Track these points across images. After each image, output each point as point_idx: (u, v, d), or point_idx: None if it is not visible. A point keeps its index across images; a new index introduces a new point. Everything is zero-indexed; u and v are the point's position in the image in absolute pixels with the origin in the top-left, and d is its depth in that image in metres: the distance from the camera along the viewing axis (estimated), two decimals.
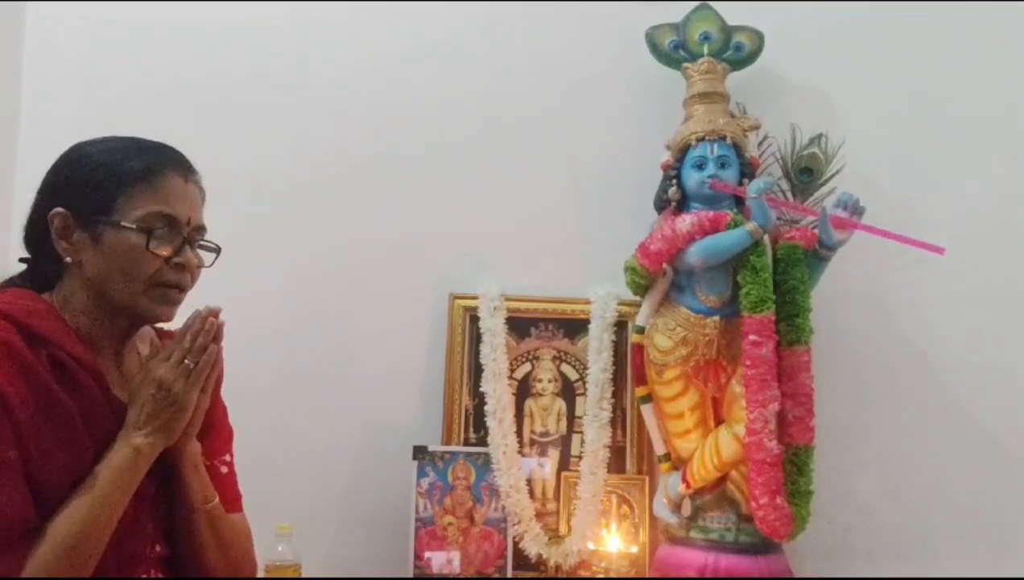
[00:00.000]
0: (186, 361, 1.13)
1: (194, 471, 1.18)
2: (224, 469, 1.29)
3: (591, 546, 1.66)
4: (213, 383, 1.19)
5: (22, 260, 1.19)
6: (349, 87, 1.91)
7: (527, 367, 1.82)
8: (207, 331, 1.15)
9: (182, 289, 1.16)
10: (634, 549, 1.66)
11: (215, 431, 1.28)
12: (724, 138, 1.64)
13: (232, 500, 1.28)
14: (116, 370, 1.17)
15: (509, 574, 1.68)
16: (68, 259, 1.12)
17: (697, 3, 1.76)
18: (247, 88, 1.90)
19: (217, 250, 1.22)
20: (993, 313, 1.82)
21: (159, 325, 1.24)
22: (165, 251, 1.12)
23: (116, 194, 1.11)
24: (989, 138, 1.85)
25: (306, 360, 1.84)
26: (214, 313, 1.17)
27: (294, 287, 1.86)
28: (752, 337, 1.53)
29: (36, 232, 1.14)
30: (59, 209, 1.11)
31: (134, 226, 1.10)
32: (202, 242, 1.20)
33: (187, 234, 1.15)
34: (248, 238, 1.84)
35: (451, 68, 1.91)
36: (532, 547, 1.69)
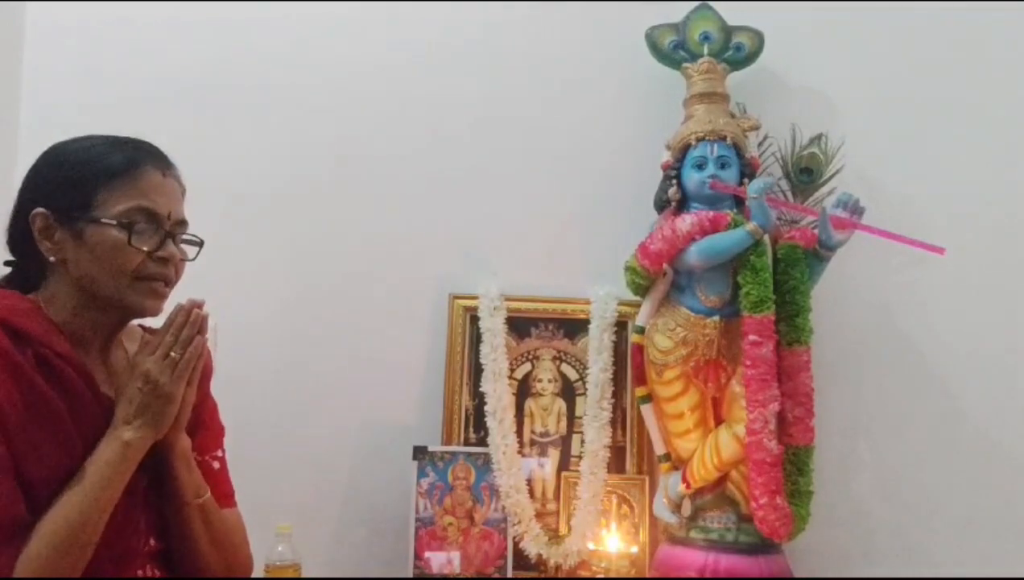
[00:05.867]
0: (172, 353, 1.13)
1: (185, 465, 1.18)
2: (216, 465, 1.29)
3: (591, 546, 1.66)
4: (199, 376, 1.19)
5: (7, 263, 1.19)
6: (349, 87, 1.91)
7: (527, 367, 1.82)
8: (192, 323, 1.15)
9: (167, 282, 1.16)
10: (634, 549, 1.66)
11: (206, 427, 1.28)
12: (724, 138, 1.64)
13: (225, 495, 1.28)
14: (103, 368, 1.17)
15: (509, 574, 1.68)
16: (52, 258, 1.12)
17: (697, 3, 1.76)
18: (246, 88, 1.90)
19: (200, 244, 1.22)
20: (993, 313, 1.82)
21: (147, 324, 1.24)
22: (147, 246, 1.12)
23: (95, 191, 1.11)
24: (989, 138, 1.85)
25: (306, 360, 1.84)
26: (198, 305, 1.17)
27: (294, 287, 1.86)
28: (752, 337, 1.53)
29: (18, 233, 1.15)
30: (40, 209, 1.11)
31: (115, 222, 1.10)
32: (185, 236, 1.20)
33: (169, 228, 1.15)
34: (249, 238, 1.84)
35: (451, 68, 1.91)
36: (532, 547, 1.69)
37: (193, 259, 1.21)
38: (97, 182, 1.11)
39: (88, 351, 1.15)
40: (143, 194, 1.13)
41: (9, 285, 1.16)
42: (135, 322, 1.23)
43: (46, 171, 1.14)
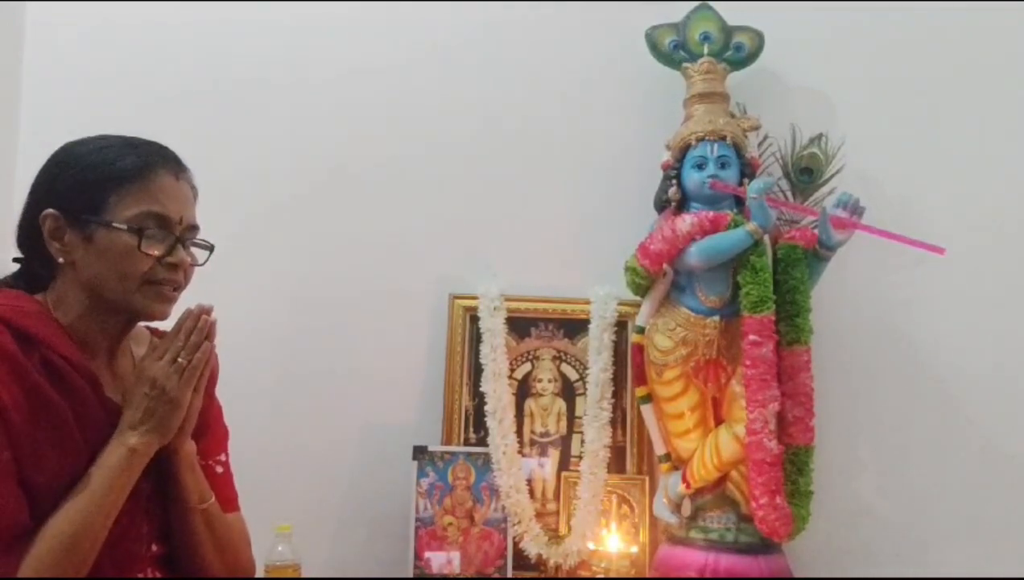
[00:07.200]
0: (179, 359, 1.13)
1: (190, 470, 1.18)
2: (220, 469, 1.29)
3: (591, 546, 1.66)
4: (206, 382, 1.19)
5: (16, 260, 1.18)
6: (350, 88, 1.91)
7: (527, 367, 1.82)
8: (200, 329, 1.15)
9: (176, 287, 1.16)
10: (634, 549, 1.66)
11: (210, 431, 1.28)
12: (724, 138, 1.64)
13: (228, 500, 1.28)
14: (109, 371, 1.17)
15: (509, 574, 1.68)
16: (61, 260, 1.12)
17: (697, 3, 1.76)
18: (248, 89, 1.90)
19: (210, 248, 1.22)
20: (993, 313, 1.82)
21: (155, 326, 1.24)
22: (157, 251, 1.12)
23: (107, 194, 1.10)
24: (989, 138, 1.85)
25: (306, 360, 1.84)
26: (206, 311, 1.16)
27: (294, 287, 1.86)
28: (752, 337, 1.53)
29: (28, 233, 1.14)
30: (50, 210, 1.11)
31: (125, 226, 1.10)
32: (195, 241, 1.20)
33: (179, 233, 1.15)
34: (249, 239, 1.84)
35: (451, 68, 1.91)
36: (532, 547, 1.69)
37: (203, 264, 1.21)
38: (109, 185, 1.11)
39: (95, 355, 1.15)
40: (155, 199, 1.12)
41: (16, 283, 1.16)
42: (143, 325, 1.23)
43: (58, 171, 1.14)
